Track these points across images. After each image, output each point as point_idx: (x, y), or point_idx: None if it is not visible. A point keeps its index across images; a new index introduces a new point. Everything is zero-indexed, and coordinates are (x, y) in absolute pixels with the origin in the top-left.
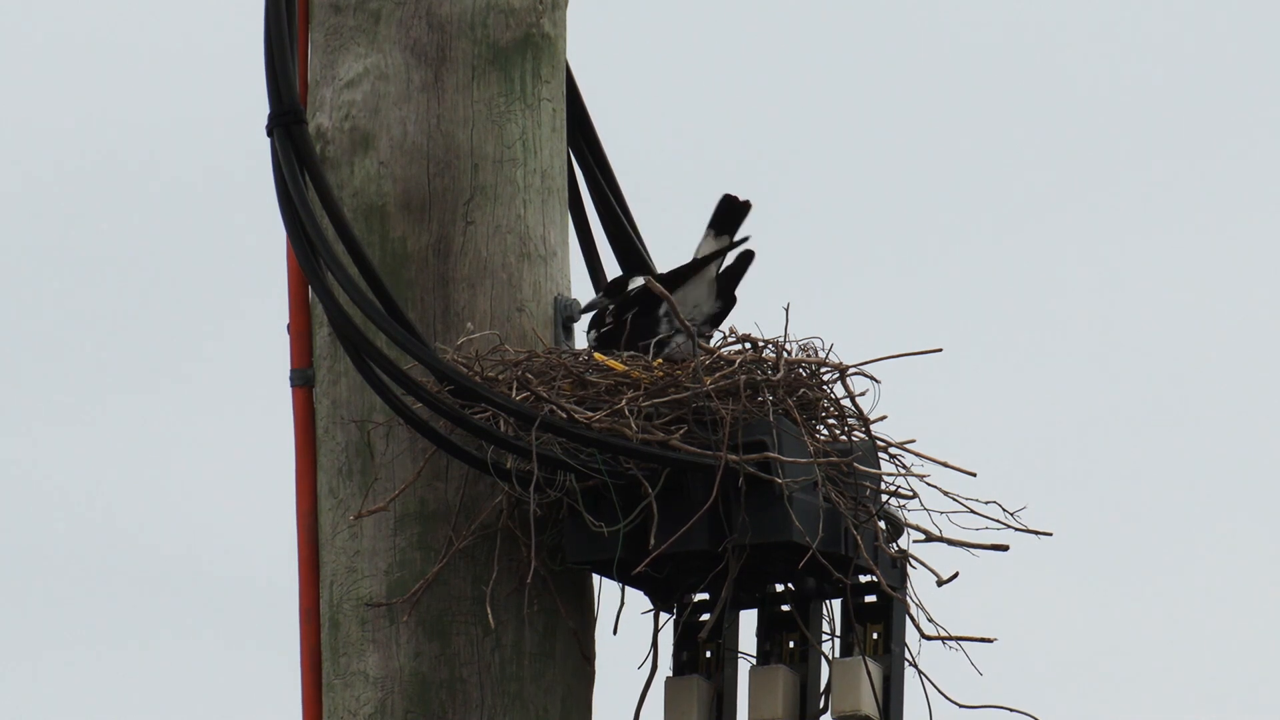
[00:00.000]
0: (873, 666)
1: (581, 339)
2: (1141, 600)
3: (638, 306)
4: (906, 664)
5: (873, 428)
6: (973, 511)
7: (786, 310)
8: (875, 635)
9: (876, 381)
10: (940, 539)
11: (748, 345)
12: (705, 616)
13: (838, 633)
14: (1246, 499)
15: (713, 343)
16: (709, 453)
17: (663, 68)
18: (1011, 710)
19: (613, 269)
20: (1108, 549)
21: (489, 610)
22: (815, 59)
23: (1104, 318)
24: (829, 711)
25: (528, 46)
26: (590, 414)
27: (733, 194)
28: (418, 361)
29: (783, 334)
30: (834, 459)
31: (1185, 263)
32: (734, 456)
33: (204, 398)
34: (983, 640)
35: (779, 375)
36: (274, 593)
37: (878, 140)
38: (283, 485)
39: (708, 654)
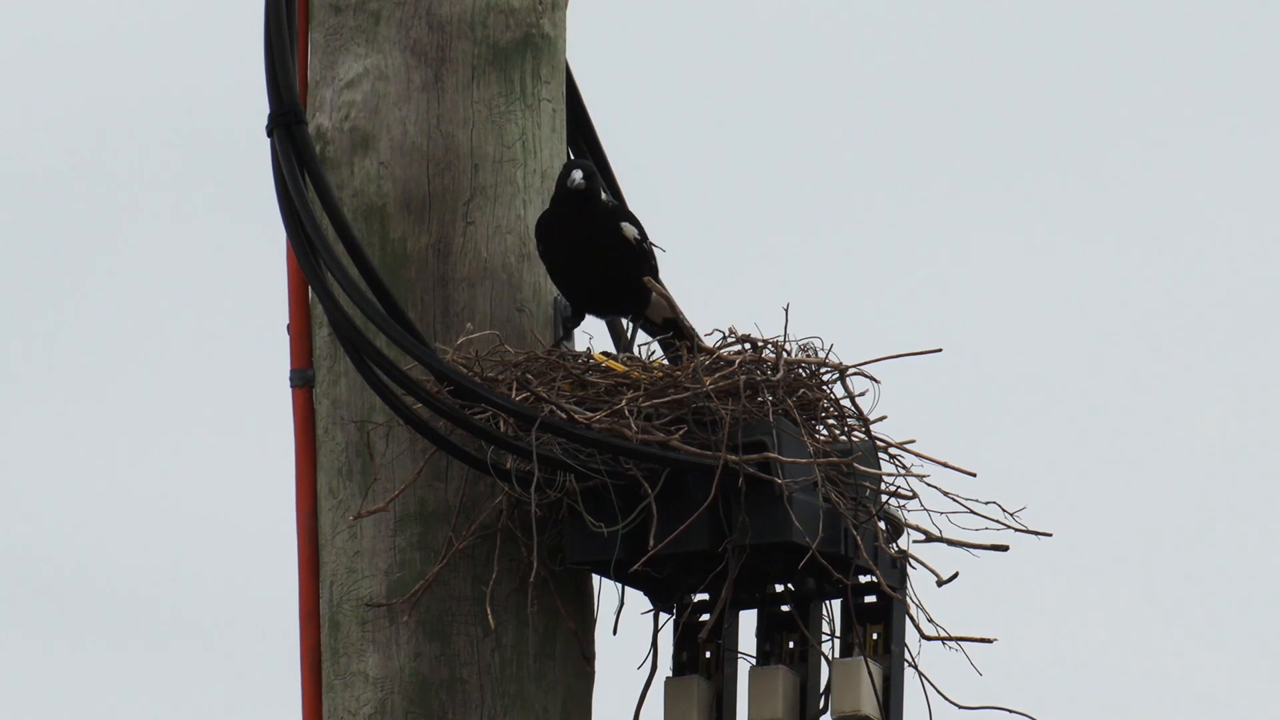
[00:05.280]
0: (873, 667)
1: (581, 339)
2: (1141, 600)
3: None
4: (906, 664)
5: (873, 428)
6: (973, 512)
7: (786, 310)
8: (875, 635)
9: (876, 381)
10: (940, 539)
11: (747, 345)
12: (705, 617)
13: (838, 633)
14: (1247, 499)
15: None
16: (709, 453)
17: (663, 68)
18: (1011, 710)
19: None
20: (1108, 549)
21: (489, 611)
22: (815, 58)
23: (1104, 317)
24: (829, 712)
25: (528, 47)
26: (590, 414)
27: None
28: (418, 362)
29: (782, 334)
30: (834, 459)
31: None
32: (734, 457)
33: (204, 398)
34: (983, 640)
35: (779, 375)
36: (274, 593)
37: (877, 139)
38: (283, 485)
39: (708, 654)
